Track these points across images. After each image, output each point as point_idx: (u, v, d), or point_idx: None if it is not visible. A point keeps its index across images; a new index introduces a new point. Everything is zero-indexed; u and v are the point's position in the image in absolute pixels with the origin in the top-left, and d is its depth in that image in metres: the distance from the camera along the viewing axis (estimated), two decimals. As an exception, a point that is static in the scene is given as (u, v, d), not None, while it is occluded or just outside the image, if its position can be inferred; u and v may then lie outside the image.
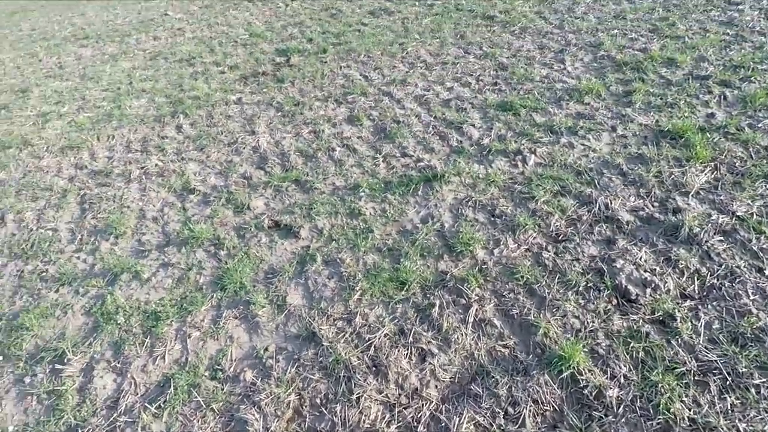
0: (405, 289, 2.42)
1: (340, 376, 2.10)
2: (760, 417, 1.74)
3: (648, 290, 2.23)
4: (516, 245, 2.58)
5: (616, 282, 2.28)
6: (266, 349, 2.28)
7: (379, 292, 2.44)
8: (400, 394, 2.00)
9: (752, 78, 3.68)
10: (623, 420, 1.80)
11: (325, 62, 5.40)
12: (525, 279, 2.37)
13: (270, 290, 2.57)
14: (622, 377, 1.93)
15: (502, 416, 1.87)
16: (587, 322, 2.14)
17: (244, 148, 3.92)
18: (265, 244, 2.89)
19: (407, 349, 2.16)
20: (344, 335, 2.27)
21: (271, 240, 2.91)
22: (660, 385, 1.87)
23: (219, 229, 3.05)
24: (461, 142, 3.54)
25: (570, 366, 1.97)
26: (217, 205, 3.29)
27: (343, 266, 2.63)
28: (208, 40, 6.81)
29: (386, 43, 5.67)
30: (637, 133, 3.31)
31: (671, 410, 1.80)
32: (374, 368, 2.11)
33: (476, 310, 2.28)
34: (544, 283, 2.34)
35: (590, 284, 2.30)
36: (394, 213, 2.95)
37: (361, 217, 2.96)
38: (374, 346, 2.19)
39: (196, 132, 4.30)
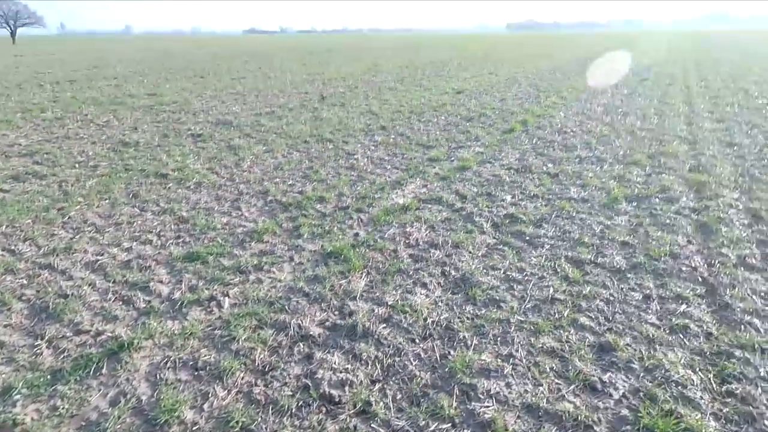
0: (98, 500, 1.94)
1: None
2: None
3: (347, 388, 2.60)
4: (226, 392, 2.54)
5: (321, 391, 2.55)
6: None
7: None
8: None
9: (373, 204, 5.17)
10: None
11: (-59, 241, 4.15)
12: (241, 423, 2.33)
13: None
14: (345, 478, 2.10)
15: None
16: (306, 440, 2.27)
17: None
18: None
19: None
20: None
21: None
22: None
23: None
24: (150, 301, 3.33)
25: (300, 492, 2.00)
26: None
27: None
28: None
29: (39, 209, 4.92)
30: (310, 258, 4.01)
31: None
32: None
33: (195, 481, 2.05)
34: (259, 419, 2.37)
35: (301, 402, 2.48)
36: (71, 406, 2.40)
37: (19, 428, 2.25)
38: None
39: None
